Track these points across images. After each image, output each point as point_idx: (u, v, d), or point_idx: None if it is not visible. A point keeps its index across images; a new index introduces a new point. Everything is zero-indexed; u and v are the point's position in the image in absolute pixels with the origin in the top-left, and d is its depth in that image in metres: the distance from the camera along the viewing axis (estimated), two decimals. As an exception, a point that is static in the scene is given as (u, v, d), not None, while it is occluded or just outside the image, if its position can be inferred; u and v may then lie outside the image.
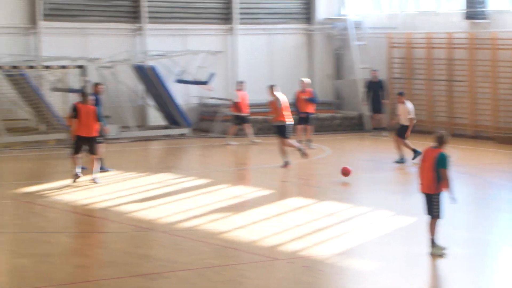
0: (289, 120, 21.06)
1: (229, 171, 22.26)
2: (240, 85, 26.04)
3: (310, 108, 24.12)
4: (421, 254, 12.74)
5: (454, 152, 23.98)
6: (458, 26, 27.70)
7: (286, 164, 20.77)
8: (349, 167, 19.45)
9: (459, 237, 14.07)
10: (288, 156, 21.08)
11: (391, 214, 16.14)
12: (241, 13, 29.70)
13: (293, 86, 29.87)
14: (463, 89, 27.82)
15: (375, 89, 27.97)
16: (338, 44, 31.19)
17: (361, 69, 29.91)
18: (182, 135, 27.57)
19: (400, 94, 22.65)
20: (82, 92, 20.54)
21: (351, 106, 30.37)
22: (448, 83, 28.19)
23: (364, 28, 30.32)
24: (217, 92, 28.42)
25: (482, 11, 26.96)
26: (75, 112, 18.42)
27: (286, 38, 30.82)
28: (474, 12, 27.05)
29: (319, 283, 11.85)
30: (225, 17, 29.69)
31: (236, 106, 25.42)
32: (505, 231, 15.42)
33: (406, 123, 21.77)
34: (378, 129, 28.19)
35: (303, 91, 23.95)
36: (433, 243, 12.56)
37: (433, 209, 12.61)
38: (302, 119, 23.87)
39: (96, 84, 20.97)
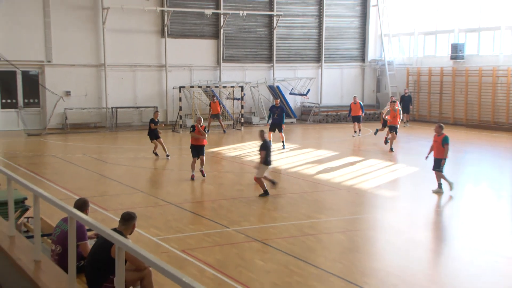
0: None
1: (315, 142, 21.81)
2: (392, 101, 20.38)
3: (360, 112, 22.22)
4: (426, 192, 12.67)
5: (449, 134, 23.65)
6: (447, 63, 27.01)
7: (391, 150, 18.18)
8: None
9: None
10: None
11: (405, 166, 15.77)
12: (325, 56, 29.62)
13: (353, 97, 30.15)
14: (448, 98, 27.15)
15: (406, 99, 26.22)
16: (379, 73, 30.83)
17: (390, 87, 29.57)
18: (292, 122, 27.35)
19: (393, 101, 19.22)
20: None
21: (384, 106, 29.37)
22: (439, 95, 27.62)
23: (393, 64, 29.86)
24: (311, 99, 28.48)
25: (461, 55, 26.23)
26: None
27: (350, 70, 30.54)
28: (455, 55, 26.35)
29: (364, 202, 11.90)
30: (317, 58, 29.61)
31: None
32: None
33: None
34: (405, 122, 25.79)
35: (354, 102, 22.45)
36: (439, 186, 12.13)
37: (439, 166, 12.06)
38: (356, 118, 22.36)
39: (277, 98, 20.05)
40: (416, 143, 20.99)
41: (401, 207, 11.49)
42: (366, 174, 14.53)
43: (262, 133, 11.92)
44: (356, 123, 22.59)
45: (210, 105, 23.35)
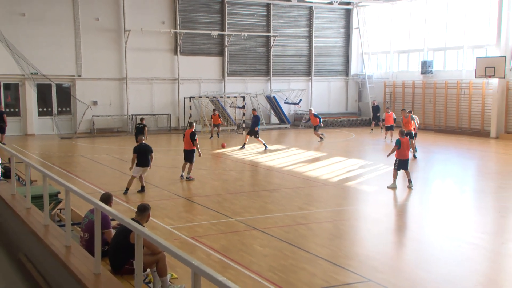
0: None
1: (306, 144, 21.32)
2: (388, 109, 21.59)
3: (318, 122, 21.12)
4: (401, 187, 12.49)
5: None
6: (417, 77, 26.95)
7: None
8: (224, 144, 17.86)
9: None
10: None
11: (386, 166, 15.48)
12: (314, 71, 29.57)
13: (338, 105, 30.10)
14: (419, 107, 26.98)
15: (374, 109, 25.61)
16: (360, 85, 30.73)
17: (370, 97, 29.49)
18: (285, 127, 27.37)
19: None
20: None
21: (365, 113, 29.59)
22: (412, 104, 27.52)
23: (372, 78, 29.82)
24: (302, 107, 28.35)
25: (430, 70, 26.18)
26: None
27: (336, 83, 30.44)
28: (425, 70, 26.30)
29: (348, 195, 11.65)
30: (307, 73, 29.56)
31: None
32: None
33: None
34: (371, 128, 25.38)
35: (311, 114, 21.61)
36: (409, 182, 11.79)
37: (407, 165, 11.78)
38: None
39: (253, 109, 19.62)
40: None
41: (379, 200, 11.42)
42: (350, 172, 14.46)
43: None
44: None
45: (211, 118, 23.12)
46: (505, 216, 10.05)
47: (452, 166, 15.98)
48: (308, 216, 9.79)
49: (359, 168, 15.23)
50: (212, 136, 22.32)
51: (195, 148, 12.72)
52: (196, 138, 12.76)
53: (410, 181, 12.09)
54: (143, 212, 5.75)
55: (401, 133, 12.20)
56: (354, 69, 30.57)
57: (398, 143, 12.02)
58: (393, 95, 28.68)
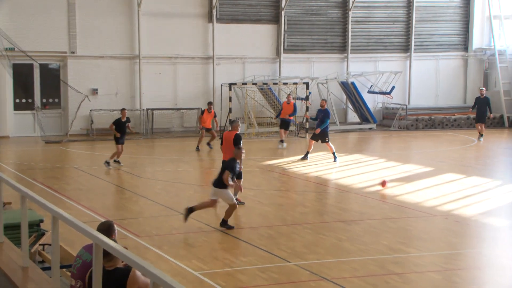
0: None
1: (401, 154, 21.56)
2: None
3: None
4: None
5: None
6: None
7: None
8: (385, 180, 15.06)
9: None
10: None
11: None
12: (415, 44, 29.20)
13: (452, 96, 29.52)
14: None
15: (481, 103, 23.76)
16: (487, 66, 29.91)
17: (502, 84, 28.65)
18: (370, 128, 27.24)
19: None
20: None
21: (496, 108, 27.74)
22: None
23: (506, 54, 28.96)
24: (395, 99, 28.18)
25: None
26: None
27: (448, 62, 29.87)
28: None
29: (466, 233, 11.77)
30: (405, 47, 29.27)
31: None
32: None
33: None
34: (479, 136, 23.51)
35: (288, 102, 21.79)
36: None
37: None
38: (284, 123, 21.91)
39: (323, 100, 19.58)
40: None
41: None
42: (469, 197, 14.24)
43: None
44: (282, 130, 21.83)
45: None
46: None
47: None
48: (404, 262, 9.71)
49: (484, 191, 15.01)
50: (283, 145, 21.72)
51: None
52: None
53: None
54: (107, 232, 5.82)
55: None
56: (477, 41, 30.00)
57: None
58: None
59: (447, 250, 10.46)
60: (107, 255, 5.60)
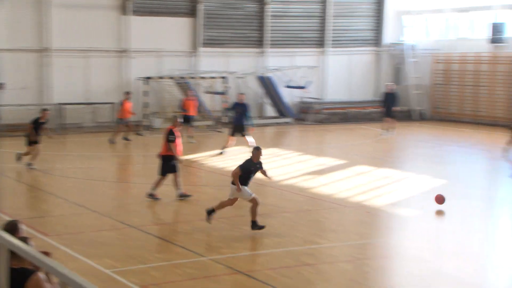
0: None
1: (317, 147, 22.11)
2: None
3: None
4: (452, 206, 12.68)
5: (475, 134, 23.80)
6: (484, 48, 27.18)
7: None
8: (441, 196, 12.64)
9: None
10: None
11: (428, 178, 15.92)
12: (331, 39, 29.77)
13: (365, 90, 30.38)
14: (485, 90, 27.42)
15: (388, 98, 24.08)
16: (398, 61, 30.89)
17: (412, 78, 29.68)
18: (287, 122, 27.57)
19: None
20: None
21: (403, 103, 28.40)
22: (474, 87, 27.85)
23: (417, 50, 30.07)
24: (311, 93, 28.53)
25: (502, 38, 26.47)
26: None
27: (362, 57, 30.62)
28: (496, 38, 26.59)
29: (377, 223, 12.19)
30: (319, 43, 29.76)
31: None
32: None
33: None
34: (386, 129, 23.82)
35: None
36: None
37: None
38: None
39: (240, 94, 19.80)
40: (440, 149, 21.35)
41: (423, 229, 11.57)
42: (379, 188, 14.65)
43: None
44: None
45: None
46: None
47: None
48: (317, 253, 9.94)
49: (394, 182, 15.45)
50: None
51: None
52: (176, 138, 12.92)
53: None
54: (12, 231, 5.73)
55: None
56: (389, 36, 30.86)
57: None
58: (446, 73, 28.94)
59: (357, 240, 10.75)
60: (13, 253, 5.52)
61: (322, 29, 29.71)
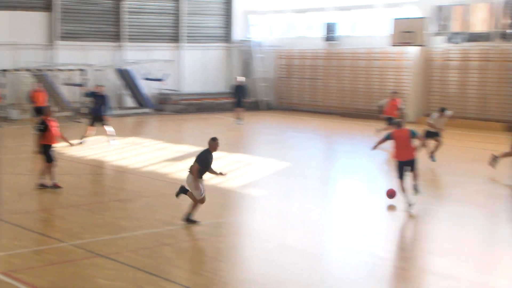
0: None
1: (175, 135, 22.12)
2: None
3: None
4: (297, 190, 13.23)
5: (312, 122, 24.82)
6: (320, 45, 28.46)
7: None
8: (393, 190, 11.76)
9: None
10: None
11: (274, 161, 16.39)
12: (185, 35, 29.69)
13: (218, 82, 30.65)
14: (321, 83, 28.71)
15: (238, 90, 24.35)
16: (246, 56, 31.45)
17: (259, 71, 30.43)
18: (146, 113, 27.31)
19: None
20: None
21: (252, 94, 29.35)
22: (312, 80, 29.08)
23: (263, 46, 30.76)
24: (169, 85, 28.42)
25: (334, 36, 27.80)
26: None
27: (214, 52, 30.87)
28: (329, 37, 27.88)
29: (230, 204, 12.31)
30: (175, 38, 29.59)
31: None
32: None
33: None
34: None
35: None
36: None
37: None
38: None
39: (98, 86, 19.42)
40: (284, 135, 22.11)
41: (270, 208, 11.90)
42: (232, 172, 14.77)
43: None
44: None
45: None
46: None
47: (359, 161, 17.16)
48: (176, 234, 9.86)
49: (245, 166, 15.75)
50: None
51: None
52: (49, 127, 12.55)
53: None
54: None
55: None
56: (238, 33, 31.31)
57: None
58: (288, 67, 29.97)
59: (213, 219, 10.78)
60: None
61: (176, 25, 29.55)
